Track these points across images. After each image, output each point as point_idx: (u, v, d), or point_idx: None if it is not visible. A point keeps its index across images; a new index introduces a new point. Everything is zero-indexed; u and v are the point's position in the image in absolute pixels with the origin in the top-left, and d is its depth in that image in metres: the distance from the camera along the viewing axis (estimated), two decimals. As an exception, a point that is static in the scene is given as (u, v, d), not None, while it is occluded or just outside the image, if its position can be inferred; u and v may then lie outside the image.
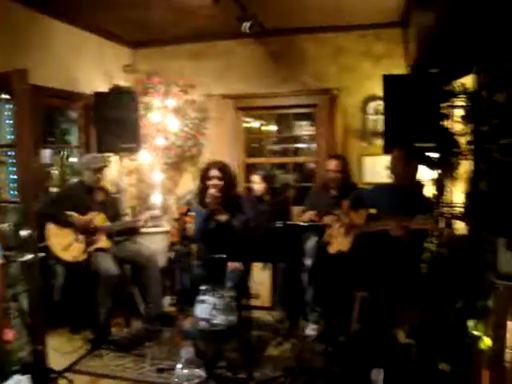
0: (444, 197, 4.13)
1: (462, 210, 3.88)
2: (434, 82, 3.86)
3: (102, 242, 4.17)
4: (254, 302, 3.73)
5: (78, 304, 4.31)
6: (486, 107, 2.88)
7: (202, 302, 2.96)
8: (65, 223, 4.05)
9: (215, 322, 2.93)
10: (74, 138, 5.18)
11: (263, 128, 6.91)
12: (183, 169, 5.82)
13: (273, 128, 6.57)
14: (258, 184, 4.87)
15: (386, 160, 4.28)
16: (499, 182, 2.76)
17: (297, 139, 6.47)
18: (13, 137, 4.95)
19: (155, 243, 5.11)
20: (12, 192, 3.80)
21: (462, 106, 4.02)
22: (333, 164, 4.48)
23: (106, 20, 4.99)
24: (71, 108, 5.12)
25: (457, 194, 4.28)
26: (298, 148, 6.62)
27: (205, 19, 4.92)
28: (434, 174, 4.28)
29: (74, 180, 4.90)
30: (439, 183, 4.19)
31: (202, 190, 3.91)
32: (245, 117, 5.97)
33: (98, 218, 4.11)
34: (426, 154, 4.08)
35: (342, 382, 3.02)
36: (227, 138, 5.66)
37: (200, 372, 1.41)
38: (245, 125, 6.12)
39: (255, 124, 6.81)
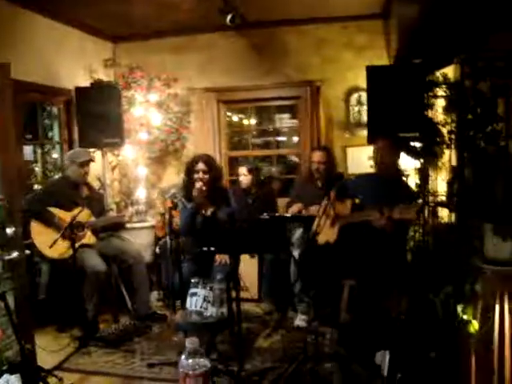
0: (428, 186, 4.19)
1: (446, 198, 3.95)
2: (416, 72, 3.90)
3: (88, 238, 4.13)
4: (241, 295, 3.73)
5: (64, 301, 4.26)
6: (470, 96, 2.92)
7: (193, 294, 2.95)
8: (48, 222, 4.00)
9: (207, 314, 2.94)
10: (56, 133, 5.10)
11: (244, 122, 6.88)
12: (167, 163, 5.79)
13: (253, 121, 6.55)
14: (245, 176, 4.88)
15: (369, 150, 4.33)
16: (484, 169, 2.82)
17: (278, 132, 6.48)
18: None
19: (140, 238, 5.08)
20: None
21: (444, 96, 4.09)
22: (318, 155, 4.50)
23: (87, 14, 4.92)
24: (52, 103, 5.03)
25: (440, 183, 4.35)
26: (279, 141, 6.63)
27: (186, 12, 4.89)
28: (418, 163, 4.34)
29: (58, 176, 4.84)
30: (423, 172, 4.25)
31: (188, 183, 3.90)
32: (228, 110, 5.95)
33: (83, 214, 4.06)
34: (410, 143, 4.14)
35: (347, 367, 3.02)
36: (210, 131, 5.64)
37: (205, 362, 1.40)
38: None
39: (235, 118, 6.79)
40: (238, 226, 4.05)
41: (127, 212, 4.45)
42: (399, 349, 2.84)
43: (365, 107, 5.26)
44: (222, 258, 3.88)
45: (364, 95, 5.25)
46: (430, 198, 4.20)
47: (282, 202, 5.11)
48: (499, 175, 2.86)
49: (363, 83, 5.12)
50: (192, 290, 3.00)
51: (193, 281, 3.03)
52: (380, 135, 3.89)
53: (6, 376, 2.90)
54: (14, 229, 3.24)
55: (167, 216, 4.47)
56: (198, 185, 3.76)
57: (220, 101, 5.69)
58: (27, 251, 3.43)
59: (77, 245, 3.96)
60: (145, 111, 5.37)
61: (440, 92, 4.12)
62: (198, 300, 2.95)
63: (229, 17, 4.53)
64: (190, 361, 1.36)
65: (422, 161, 4.25)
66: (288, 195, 4.99)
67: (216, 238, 3.45)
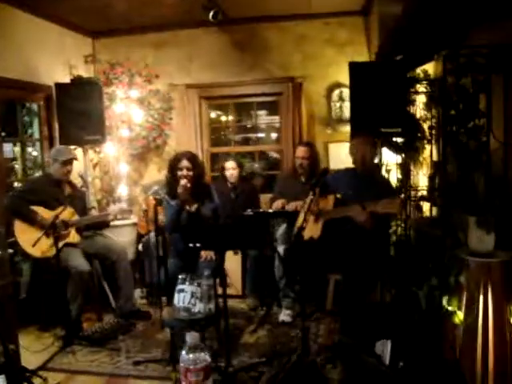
0: (410, 180, 4.26)
1: (428, 192, 4.03)
2: (398, 68, 3.96)
3: (72, 237, 4.07)
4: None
5: (46, 301, 4.22)
6: (452, 92, 2.98)
7: (181, 291, 2.94)
8: (31, 220, 3.94)
9: (194, 310, 2.93)
10: (35, 130, 5.01)
11: (222, 118, 6.86)
12: (148, 159, 5.76)
13: (231, 118, 6.53)
14: (233, 170, 4.89)
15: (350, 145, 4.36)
16: (466, 163, 2.88)
17: (259, 128, 6.48)
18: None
19: (122, 236, 5.04)
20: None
21: (424, 92, 4.16)
22: (302, 150, 4.53)
23: (66, 9, 4.83)
24: (32, 99, 4.94)
25: (421, 178, 4.43)
26: (259, 137, 6.63)
27: (168, 8, 4.86)
28: (399, 158, 4.41)
29: (39, 173, 4.77)
30: (405, 167, 4.32)
31: (172, 180, 3.90)
32: (209, 106, 5.93)
33: (67, 212, 4.01)
34: (392, 138, 4.20)
35: (354, 356, 3.03)
36: (192, 127, 5.62)
37: (205, 356, 1.40)
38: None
39: (212, 114, 6.77)
40: (223, 222, 4.07)
41: (110, 210, 4.39)
42: (400, 338, 2.86)
43: (346, 103, 5.33)
44: (207, 254, 3.89)
45: (345, 91, 5.31)
46: (412, 193, 4.28)
47: (264, 198, 5.14)
48: (481, 169, 2.93)
49: (344, 79, 5.17)
50: (179, 287, 2.99)
51: (180, 277, 3.02)
52: (359, 131, 3.94)
53: (-10, 377, 2.86)
54: (-4, 227, 3.20)
55: (151, 213, 4.47)
56: (183, 182, 3.78)
57: (202, 97, 5.67)
58: (10, 250, 3.39)
59: (61, 244, 3.91)
60: (126, 108, 5.32)
61: (421, 88, 4.20)
62: (186, 296, 2.94)
63: (211, 13, 4.53)
64: (191, 355, 1.37)
65: (403, 156, 4.32)
66: (270, 191, 5.02)
67: (201, 234, 3.45)
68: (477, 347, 2.54)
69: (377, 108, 3.87)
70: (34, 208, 3.97)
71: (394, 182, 4.23)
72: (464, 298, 2.57)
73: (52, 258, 3.83)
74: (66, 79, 5.02)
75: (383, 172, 4.22)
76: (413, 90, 4.18)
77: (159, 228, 3.62)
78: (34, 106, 5.01)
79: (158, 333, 4.06)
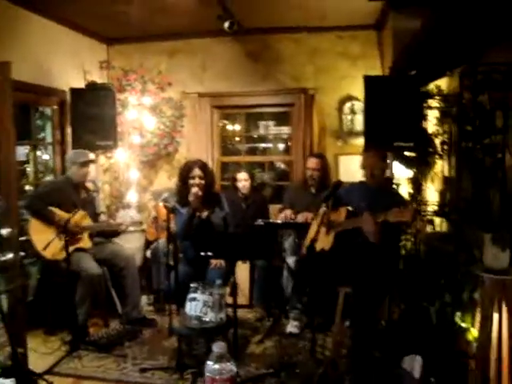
0: (421, 195, 4.26)
1: (439, 207, 4.02)
2: (412, 83, 3.97)
3: (84, 241, 4.09)
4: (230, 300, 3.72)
5: (53, 304, 4.22)
6: (469, 108, 2.98)
7: (193, 299, 2.94)
8: (49, 220, 3.95)
9: (206, 319, 2.93)
10: (48, 134, 5.04)
11: (228, 127, 6.87)
12: (158, 167, 5.77)
13: (238, 127, 6.55)
14: (245, 181, 4.91)
15: (361, 160, 4.36)
16: (481, 180, 2.87)
17: (268, 139, 6.50)
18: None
19: (130, 242, 5.05)
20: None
21: (437, 108, 4.17)
22: (313, 162, 4.53)
23: (82, 15, 4.88)
24: (45, 103, 4.97)
25: (431, 193, 4.42)
26: (267, 147, 6.66)
27: (183, 16, 4.88)
28: (410, 172, 4.41)
29: (50, 177, 4.79)
30: (416, 182, 4.32)
31: (183, 188, 3.93)
32: (221, 115, 5.95)
33: (81, 216, 4.03)
34: (404, 153, 4.20)
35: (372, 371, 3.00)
36: (203, 136, 5.63)
37: (231, 366, 1.40)
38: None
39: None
40: (233, 231, 4.07)
41: (126, 221, 4.41)
42: (432, 353, 2.81)
43: (358, 116, 5.35)
44: (217, 262, 3.90)
45: (357, 104, 5.34)
46: (422, 208, 4.27)
47: (272, 208, 5.14)
48: (496, 186, 2.93)
49: (356, 92, 5.25)
50: (192, 295, 2.99)
51: (192, 285, 3.02)
52: (372, 146, 3.94)
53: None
54: (9, 230, 3.21)
55: (161, 220, 4.48)
56: (195, 190, 3.80)
57: (214, 106, 5.69)
58: (22, 253, 3.40)
59: (73, 248, 3.93)
60: (138, 114, 5.35)
61: (434, 103, 4.21)
62: (198, 305, 2.94)
63: (227, 23, 4.56)
64: (217, 366, 1.36)
65: (414, 170, 4.33)
66: (278, 202, 5.03)
67: (212, 242, 3.46)
68: (490, 364, 2.52)
69: (390, 122, 3.87)
70: (52, 209, 4.00)
71: (404, 196, 4.22)
72: (478, 315, 2.56)
73: (62, 261, 3.84)
74: (80, 84, 5.05)
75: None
76: (425, 104, 4.19)
77: (171, 235, 3.63)
78: (47, 110, 5.03)
79: (165, 340, 4.06)
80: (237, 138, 6.57)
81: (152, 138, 5.40)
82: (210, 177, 3.99)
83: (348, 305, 3.60)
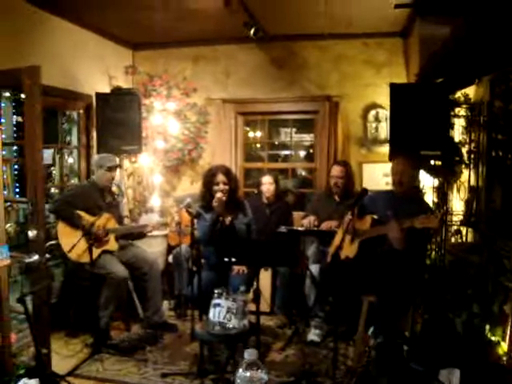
0: (446, 205, 4.19)
1: (464, 217, 3.95)
2: (439, 91, 3.92)
3: (111, 244, 4.11)
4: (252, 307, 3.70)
5: (76, 307, 4.25)
6: (500, 116, 2.93)
7: (217, 305, 2.93)
8: (75, 224, 3.99)
9: (229, 326, 2.91)
10: (74, 138, 5.10)
11: (253, 134, 6.88)
12: (182, 172, 5.79)
13: (262, 134, 6.55)
14: (270, 185, 4.90)
15: (385, 167, 4.31)
16: (513, 190, 2.81)
17: (291, 146, 6.47)
18: (15, 135, 4.95)
19: (153, 246, 5.07)
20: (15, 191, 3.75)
21: (464, 116, 4.10)
22: (337, 170, 4.50)
23: (108, 21, 4.95)
24: (71, 108, 5.03)
25: (456, 202, 4.35)
26: (291, 154, 6.63)
27: (209, 23, 4.91)
28: (435, 181, 4.35)
29: (75, 180, 4.84)
30: (441, 191, 4.25)
31: (207, 194, 3.94)
32: (244, 121, 5.96)
33: (108, 220, 4.06)
34: (430, 161, 4.15)
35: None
36: (227, 142, 5.65)
37: (262, 374, 1.38)
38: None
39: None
40: (256, 238, 4.06)
41: (152, 223, 4.43)
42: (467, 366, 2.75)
43: (382, 124, 5.31)
44: (239, 268, 3.89)
45: (381, 112, 5.30)
46: (448, 217, 4.20)
47: (295, 216, 5.11)
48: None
49: (381, 100, 5.22)
50: (216, 301, 2.98)
51: (216, 291, 3.01)
52: (400, 154, 3.90)
53: (24, 380, 2.88)
54: (36, 232, 3.24)
55: (184, 225, 4.49)
56: (219, 195, 3.81)
57: (238, 112, 5.71)
58: (47, 255, 3.43)
59: (100, 250, 3.96)
60: (163, 119, 5.38)
61: (461, 112, 4.15)
62: (222, 311, 2.93)
63: (252, 30, 4.58)
64: (248, 373, 1.34)
65: (440, 179, 4.26)
66: (300, 209, 5.00)
67: (236, 248, 3.46)
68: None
69: (416, 130, 3.83)
70: (79, 212, 4.04)
71: (430, 205, 4.16)
72: (509, 329, 2.49)
73: (89, 263, 3.87)
74: (106, 89, 5.12)
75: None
76: (452, 113, 4.14)
77: (195, 241, 3.63)
78: (74, 114, 5.10)
79: (186, 345, 4.05)
80: (258, 145, 6.58)
81: (176, 143, 5.44)
82: (234, 182, 4.02)
83: (371, 314, 3.56)
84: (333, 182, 4.51)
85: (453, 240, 4.13)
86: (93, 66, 5.17)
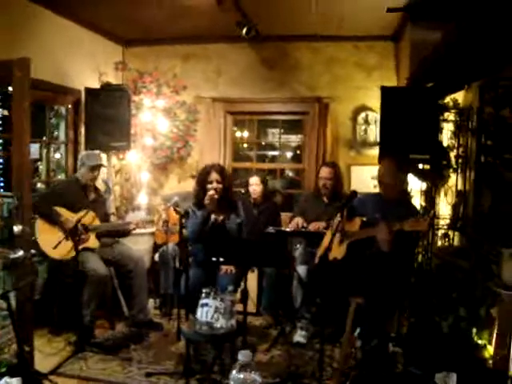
0: (433, 209, 4.22)
1: (451, 221, 3.98)
2: (429, 95, 3.94)
3: (91, 241, 4.05)
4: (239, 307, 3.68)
5: (60, 304, 4.19)
6: (489, 122, 2.95)
7: (205, 305, 2.91)
8: (54, 221, 3.93)
9: (216, 325, 2.89)
10: (62, 133, 5.03)
11: (243, 134, 6.85)
12: (170, 170, 5.75)
13: (250, 134, 6.54)
14: (257, 186, 4.89)
15: (373, 170, 4.32)
16: (501, 194, 2.84)
17: (279, 146, 6.47)
18: (0, 128, 4.87)
19: (139, 244, 5.01)
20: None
21: (453, 121, 4.14)
22: (326, 171, 4.50)
23: (100, 16, 4.89)
24: (60, 103, 4.97)
25: (442, 206, 4.38)
26: (279, 155, 6.63)
27: (201, 20, 4.88)
28: (423, 185, 4.38)
29: (62, 176, 4.78)
30: (429, 195, 4.28)
31: (200, 192, 3.93)
32: (234, 121, 5.94)
33: (89, 217, 4.00)
34: (418, 165, 4.17)
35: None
36: (216, 141, 5.63)
37: (256, 376, 1.36)
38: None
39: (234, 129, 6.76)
40: (247, 238, 4.04)
41: (135, 220, 4.38)
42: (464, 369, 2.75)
43: (371, 127, 5.33)
44: (227, 268, 3.87)
45: (371, 115, 5.32)
46: (435, 221, 4.23)
47: (283, 216, 5.10)
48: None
49: (371, 103, 5.24)
50: (204, 301, 2.95)
51: (204, 291, 2.98)
52: (386, 156, 3.92)
53: (5, 379, 2.82)
54: (21, 227, 3.19)
55: (171, 224, 4.46)
56: (211, 192, 3.81)
57: (227, 111, 5.69)
58: (32, 250, 3.37)
59: (80, 247, 3.89)
60: (152, 117, 5.34)
61: (450, 116, 4.18)
62: (210, 311, 2.90)
63: (245, 29, 4.57)
64: (242, 375, 1.33)
65: (428, 183, 4.29)
66: (288, 210, 4.99)
67: (224, 247, 3.44)
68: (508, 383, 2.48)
69: (406, 133, 3.85)
70: (58, 209, 3.97)
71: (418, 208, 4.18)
72: (495, 332, 2.51)
73: (70, 261, 3.81)
74: (95, 85, 5.05)
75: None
76: (441, 117, 4.17)
77: (183, 239, 3.60)
78: (62, 109, 5.03)
79: (171, 345, 4.01)
80: (245, 145, 6.57)
81: (165, 141, 5.40)
82: (228, 181, 4.01)
83: (358, 315, 3.56)
84: (321, 184, 4.51)
85: (439, 243, 4.17)
86: (83, 61, 5.10)
